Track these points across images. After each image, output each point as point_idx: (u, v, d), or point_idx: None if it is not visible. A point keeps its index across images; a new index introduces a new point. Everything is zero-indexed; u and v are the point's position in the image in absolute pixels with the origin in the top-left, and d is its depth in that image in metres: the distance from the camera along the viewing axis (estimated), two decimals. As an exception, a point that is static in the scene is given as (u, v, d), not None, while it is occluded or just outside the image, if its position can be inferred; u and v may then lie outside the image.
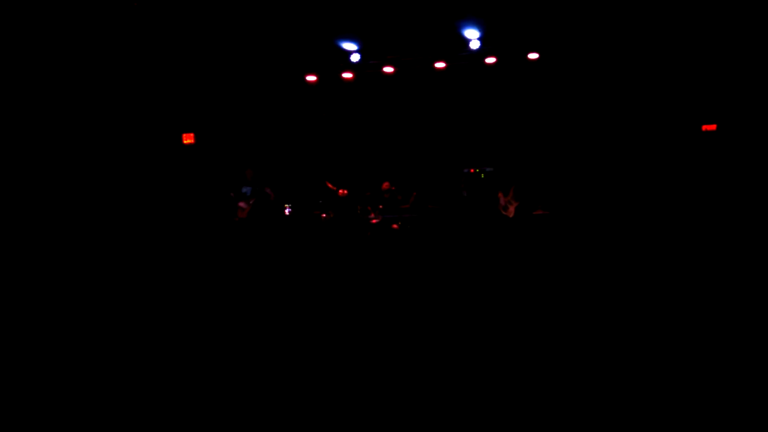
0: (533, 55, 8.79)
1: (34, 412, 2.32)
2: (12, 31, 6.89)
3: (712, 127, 8.70)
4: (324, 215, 9.16)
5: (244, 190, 8.77)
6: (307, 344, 3.13)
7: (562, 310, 3.66)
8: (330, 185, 9.43)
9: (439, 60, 9.18)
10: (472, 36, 8.62)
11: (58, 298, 4.40)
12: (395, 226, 8.59)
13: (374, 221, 8.81)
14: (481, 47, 8.77)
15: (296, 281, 5.00)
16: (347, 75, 9.62)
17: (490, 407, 2.26)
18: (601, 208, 8.36)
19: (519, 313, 3.66)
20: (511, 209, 8.27)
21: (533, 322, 3.42)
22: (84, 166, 7.80)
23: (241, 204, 8.68)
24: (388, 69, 9.43)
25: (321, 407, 2.30)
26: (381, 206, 9.28)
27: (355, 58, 9.21)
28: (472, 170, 8.97)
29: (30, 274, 5.37)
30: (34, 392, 2.52)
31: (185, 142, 9.25)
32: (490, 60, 9.01)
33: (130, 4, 7.30)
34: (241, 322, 3.64)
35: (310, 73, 9.67)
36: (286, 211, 9.35)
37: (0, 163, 6.93)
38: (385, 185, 9.44)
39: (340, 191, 9.36)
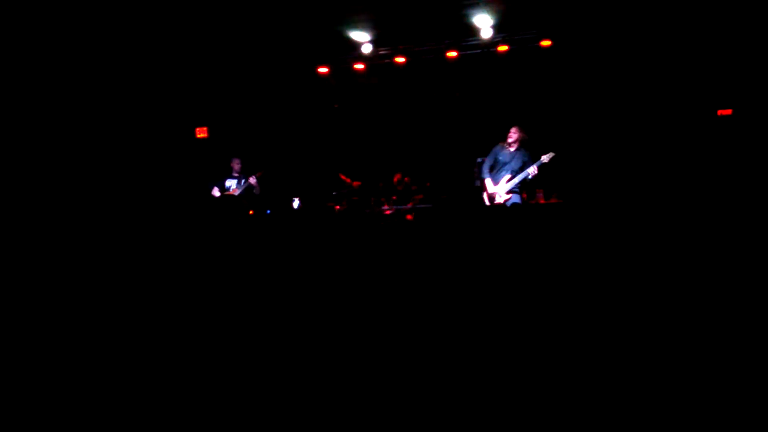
0: (546, 43, 8.72)
1: (34, 412, 2.32)
2: (27, 29, 6.97)
3: (728, 111, 8.58)
4: (338, 207, 9.19)
5: (228, 184, 7.75)
6: (314, 342, 3.13)
7: (579, 307, 3.67)
8: (343, 177, 9.45)
9: (450, 49, 9.13)
10: (484, 24, 8.56)
11: (61, 290, 4.39)
12: (409, 216, 8.61)
13: (387, 212, 8.83)
14: (493, 35, 8.72)
15: (305, 276, 5.00)
16: (359, 66, 9.61)
17: (498, 407, 2.27)
18: (616, 195, 8.30)
19: (534, 310, 3.67)
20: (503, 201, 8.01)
21: (548, 320, 3.43)
22: (94, 162, 7.87)
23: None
24: (400, 59, 9.39)
25: (333, 405, 2.30)
26: (394, 197, 9.30)
27: (367, 48, 9.19)
28: (485, 159, 8.92)
29: (34, 265, 5.40)
30: (34, 392, 2.52)
31: (198, 136, 9.30)
32: (503, 48, 8.95)
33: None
34: (246, 318, 3.64)
35: (322, 64, 9.66)
36: (294, 205, 9.24)
37: (15, 160, 7.03)
38: (398, 176, 9.45)
39: (354, 183, 9.38)
